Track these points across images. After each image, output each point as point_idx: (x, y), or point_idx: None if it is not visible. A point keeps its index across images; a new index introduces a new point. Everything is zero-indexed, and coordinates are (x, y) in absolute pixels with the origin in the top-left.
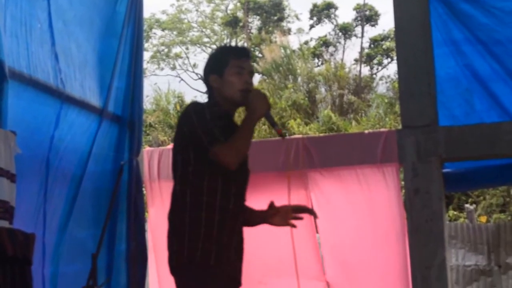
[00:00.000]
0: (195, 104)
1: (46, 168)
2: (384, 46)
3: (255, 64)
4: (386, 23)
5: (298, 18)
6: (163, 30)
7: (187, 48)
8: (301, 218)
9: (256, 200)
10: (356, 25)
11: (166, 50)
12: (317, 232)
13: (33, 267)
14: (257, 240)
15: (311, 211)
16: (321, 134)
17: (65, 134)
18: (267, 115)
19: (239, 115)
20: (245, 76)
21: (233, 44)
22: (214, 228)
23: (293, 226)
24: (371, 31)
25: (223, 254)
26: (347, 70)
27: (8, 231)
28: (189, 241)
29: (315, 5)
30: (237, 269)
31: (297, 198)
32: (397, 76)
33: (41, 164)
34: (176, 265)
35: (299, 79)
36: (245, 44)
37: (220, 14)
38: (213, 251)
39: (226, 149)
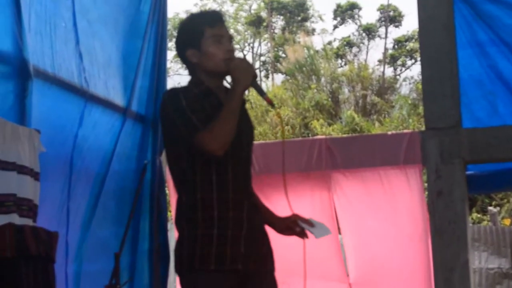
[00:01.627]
0: (169, 92)
1: (70, 166)
2: (408, 47)
3: (278, 64)
4: (410, 24)
5: (321, 19)
6: None
7: None
8: (306, 237)
9: (278, 201)
10: (380, 26)
11: None
12: (339, 233)
13: (56, 265)
14: (278, 241)
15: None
16: (344, 135)
17: (89, 133)
18: (253, 84)
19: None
20: (226, 44)
21: (202, 10)
22: (214, 227)
23: (305, 236)
24: (395, 32)
25: (227, 253)
26: (370, 71)
27: (31, 229)
28: (188, 245)
29: (338, 6)
30: (251, 259)
31: (319, 199)
32: (420, 77)
33: (64, 163)
34: (178, 272)
35: (323, 79)
36: (269, 45)
37: (243, 14)
38: (213, 254)
39: (206, 135)
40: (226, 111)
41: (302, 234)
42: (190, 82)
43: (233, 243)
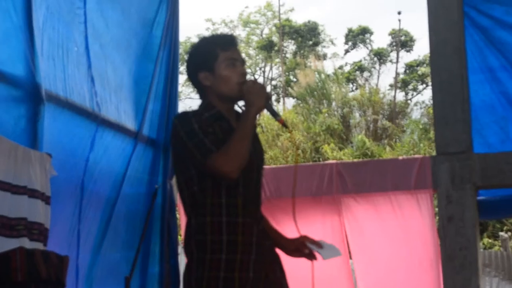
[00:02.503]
0: (180, 117)
1: (81, 190)
2: (419, 72)
3: (289, 89)
4: (422, 48)
5: (333, 43)
6: None
7: None
8: (315, 258)
9: (289, 225)
10: (391, 51)
11: None
12: (350, 258)
13: None
14: (287, 264)
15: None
16: (355, 160)
17: (100, 156)
18: (267, 106)
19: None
20: (239, 68)
21: (215, 33)
22: (222, 251)
23: (313, 258)
24: (406, 57)
25: (235, 278)
26: (381, 95)
27: (42, 253)
28: (196, 269)
29: (350, 30)
30: (261, 285)
31: (330, 224)
32: (432, 102)
33: (75, 187)
34: None
35: (334, 104)
36: (280, 69)
37: (255, 38)
38: (221, 279)
39: (221, 158)
40: (240, 133)
41: (311, 256)
42: (201, 106)
43: (242, 268)
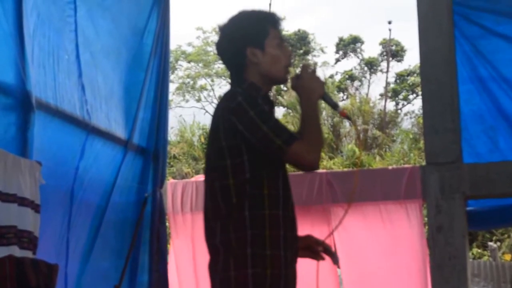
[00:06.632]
0: (244, 95)
1: (71, 198)
2: (409, 82)
3: (279, 97)
4: (412, 58)
5: (323, 52)
6: (189, 62)
7: (212, 81)
8: (323, 259)
9: None
10: (382, 60)
11: (191, 82)
12: (338, 267)
13: None
14: None
15: (332, 256)
16: (345, 169)
17: (90, 165)
18: (325, 95)
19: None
20: (288, 49)
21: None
22: (281, 247)
23: (321, 258)
24: (396, 66)
25: (289, 276)
26: (372, 104)
27: (31, 261)
28: (253, 266)
29: (341, 39)
30: (296, 285)
31: (319, 233)
32: (422, 111)
33: (65, 195)
34: None
35: (324, 113)
36: None
37: None
38: (282, 276)
39: (306, 146)
40: (313, 121)
41: (318, 256)
42: (244, 85)
43: (289, 264)
